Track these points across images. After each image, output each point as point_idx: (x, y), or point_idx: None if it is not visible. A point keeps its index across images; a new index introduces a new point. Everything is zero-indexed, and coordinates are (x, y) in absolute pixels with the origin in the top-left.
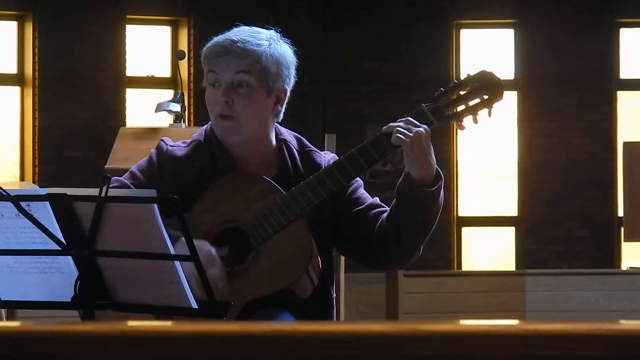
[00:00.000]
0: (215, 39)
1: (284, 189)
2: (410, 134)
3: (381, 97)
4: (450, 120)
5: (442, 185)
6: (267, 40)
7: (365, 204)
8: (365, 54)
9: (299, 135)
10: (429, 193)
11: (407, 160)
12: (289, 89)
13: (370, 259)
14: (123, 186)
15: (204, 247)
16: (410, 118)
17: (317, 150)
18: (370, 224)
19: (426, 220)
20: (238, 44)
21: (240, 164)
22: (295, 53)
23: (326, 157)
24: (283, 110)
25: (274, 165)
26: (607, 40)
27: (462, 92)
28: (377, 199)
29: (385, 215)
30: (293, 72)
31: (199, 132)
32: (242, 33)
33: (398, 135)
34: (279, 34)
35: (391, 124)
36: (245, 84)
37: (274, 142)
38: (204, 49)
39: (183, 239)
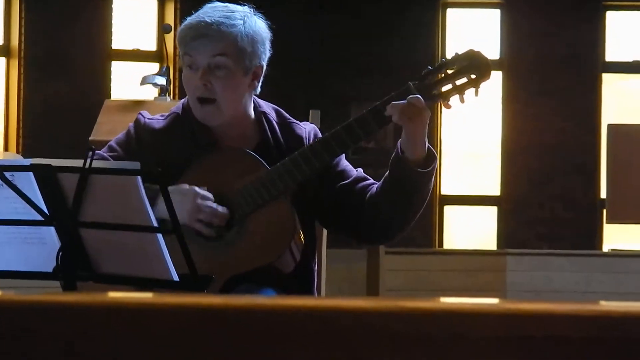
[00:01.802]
0: (189, 21)
1: (265, 161)
2: (419, 114)
3: (365, 77)
4: (437, 99)
5: (435, 168)
6: (241, 19)
7: (351, 178)
8: (351, 34)
9: (278, 108)
10: (424, 174)
11: (406, 140)
12: (265, 63)
13: (357, 233)
14: (102, 159)
15: (186, 186)
16: (418, 96)
17: (297, 121)
18: (358, 198)
19: (420, 199)
20: (212, 27)
21: (219, 137)
22: (269, 27)
23: (306, 128)
24: (260, 84)
25: (253, 138)
26: (593, 22)
27: (449, 71)
28: (361, 171)
29: (374, 189)
30: (268, 46)
31: (176, 105)
32: (215, 14)
33: (408, 111)
34: (252, 9)
35: (395, 102)
36: (223, 66)
37: (252, 115)
38: (178, 30)
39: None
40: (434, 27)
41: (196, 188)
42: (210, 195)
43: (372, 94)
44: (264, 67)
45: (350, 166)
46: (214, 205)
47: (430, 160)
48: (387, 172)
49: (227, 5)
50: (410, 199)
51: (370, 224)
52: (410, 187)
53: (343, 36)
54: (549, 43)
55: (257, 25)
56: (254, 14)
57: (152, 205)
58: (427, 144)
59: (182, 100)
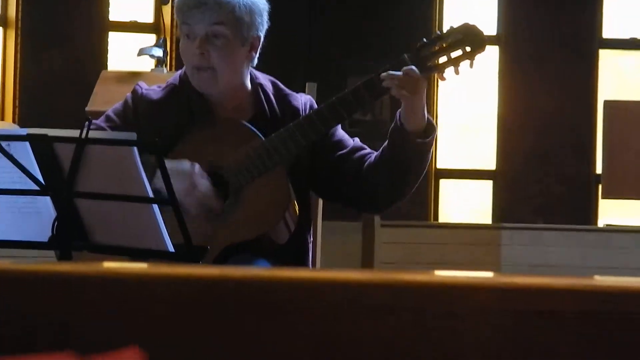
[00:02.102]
0: None
1: (260, 132)
2: (415, 85)
3: (363, 49)
4: (432, 71)
5: (434, 137)
6: None
7: (348, 148)
8: (348, 6)
9: (274, 80)
10: (423, 145)
11: (405, 111)
12: (262, 35)
13: (357, 202)
14: (99, 129)
15: (186, 165)
16: (413, 67)
17: (293, 93)
18: (356, 167)
19: (419, 169)
20: None
21: (216, 108)
22: (269, 1)
23: (302, 100)
24: (257, 56)
25: (249, 109)
26: None
27: (444, 44)
28: (357, 140)
29: (372, 158)
30: (266, 18)
31: (173, 76)
32: None
33: (404, 83)
34: None
35: (392, 72)
36: (220, 36)
37: (249, 87)
38: (177, 0)
39: (157, 181)
40: (433, 4)
41: (196, 167)
42: (206, 178)
43: (368, 66)
44: (262, 39)
45: (347, 136)
46: (210, 188)
47: (429, 131)
48: (386, 142)
49: None
50: (409, 169)
51: (369, 193)
52: (409, 157)
53: (340, 9)
54: (547, 19)
55: None
56: None
57: (151, 177)
58: (426, 114)
59: (179, 71)
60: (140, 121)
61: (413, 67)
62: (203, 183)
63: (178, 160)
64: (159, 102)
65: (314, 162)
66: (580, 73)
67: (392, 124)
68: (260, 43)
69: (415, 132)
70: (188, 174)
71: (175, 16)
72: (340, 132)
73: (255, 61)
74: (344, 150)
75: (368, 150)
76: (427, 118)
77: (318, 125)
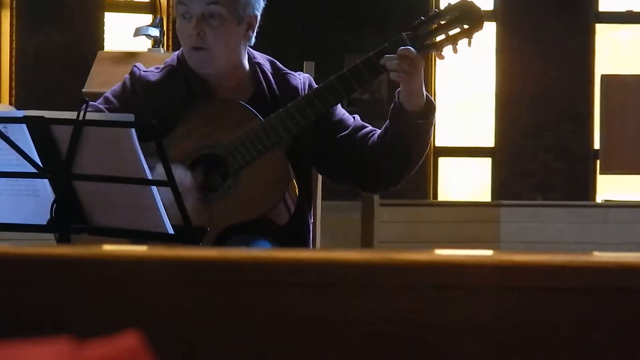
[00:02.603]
0: None
1: (259, 112)
2: (412, 66)
3: (360, 27)
4: (430, 50)
5: (434, 117)
6: None
7: (350, 128)
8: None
9: (273, 59)
10: (423, 124)
11: (404, 92)
12: (259, 14)
13: (362, 181)
14: (97, 111)
15: (178, 172)
16: (410, 48)
17: (291, 72)
18: (359, 147)
19: (421, 148)
20: None
21: (214, 89)
22: None
23: (301, 79)
24: (254, 35)
25: (248, 89)
26: None
27: (442, 22)
28: (358, 119)
29: (375, 137)
30: None
31: (171, 57)
32: None
33: (401, 65)
34: None
35: (389, 55)
36: (216, 15)
37: (247, 66)
38: None
39: (158, 168)
40: None
41: (188, 178)
42: (195, 190)
43: (366, 44)
44: (258, 17)
45: (347, 115)
46: (196, 200)
47: (429, 109)
48: (387, 121)
49: None
50: (410, 149)
51: (373, 172)
52: (410, 138)
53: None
54: None
55: None
56: None
57: (153, 163)
58: (425, 93)
59: (177, 52)
60: (138, 103)
61: (409, 47)
62: (191, 195)
63: (174, 165)
64: (157, 83)
65: (315, 144)
66: (576, 48)
67: (392, 104)
68: (257, 21)
69: (415, 111)
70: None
71: None
72: (340, 112)
73: (253, 40)
74: (346, 131)
75: (369, 128)
76: (427, 97)
77: (317, 105)
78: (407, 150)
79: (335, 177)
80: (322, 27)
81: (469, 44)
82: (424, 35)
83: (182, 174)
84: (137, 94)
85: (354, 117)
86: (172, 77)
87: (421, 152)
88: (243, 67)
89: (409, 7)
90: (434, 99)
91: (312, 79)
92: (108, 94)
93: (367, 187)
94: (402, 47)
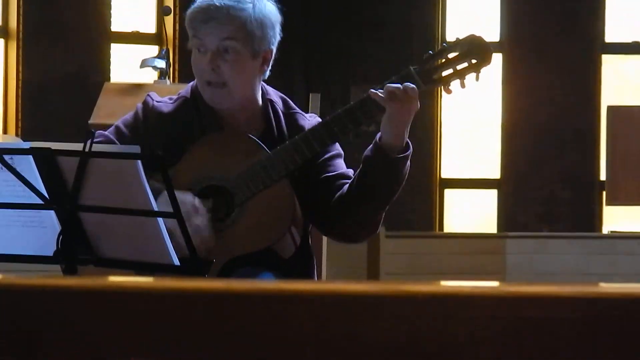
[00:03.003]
0: (198, 3)
1: (267, 148)
2: (405, 100)
3: (366, 57)
4: (437, 84)
5: (409, 157)
6: (250, 3)
7: (335, 172)
8: (350, 13)
9: (285, 97)
10: (395, 160)
11: (385, 123)
12: (274, 48)
13: (323, 226)
14: (108, 141)
15: (188, 197)
16: (409, 84)
17: (302, 112)
18: (332, 192)
19: (387, 189)
20: (222, 10)
21: (226, 122)
22: (280, 10)
23: (310, 121)
24: (269, 69)
25: (259, 125)
26: (593, 3)
27: (450, 56)
28: (350, 172)
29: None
30: (278, 30)
31: (185, 88)
32: None
33: (391, 96)
34: None
35: (389, 83)
36: (231, 50)
37: (260, 102)
38: (188, 12)
39: (165, 193)
40: (435, 8)
41: (196, 201)
42: (205, 215)
43: (372, 75)
44: (274, 52)
45: (343, 165)
46: (204, 224)
47: (406, 149)
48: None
49: None
50: (375, 186)
51: (337, 217)
52: (379, 172)
53: (343, 15)
54: (549, 25)
55: (267, 8)
56: None
57: (157, 196)
58: (406, 138)
59: (191, 83)
60: (150, 133)
61: (414, 87)
62: (200, 218)
63: (183, 192)
64: (170, 115)
65: (302, 179)
66: (583, 78)
67: (371, 145)
68: (273, 56)
69: (392, 146)
70: (186, 205)
71: (186, 28)
72: (337, 160)
73: (267, 74)
74: (330, 174)
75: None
76: (407, 142)
77: (323, 136)
78: (373, 188)
79: (306, 215)
80: (329, 58)
81: (477, 78)
82: (432, 69)
83: (190, 198)
84: (148, 124)
85: (348, 169)
86: (184, 108)
87: (387, 194)
88: (256, 101)
89: (413, 36)
90: (440, 130)
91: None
92: (119, 123)
93: (325, 232)
94: (408, 84)
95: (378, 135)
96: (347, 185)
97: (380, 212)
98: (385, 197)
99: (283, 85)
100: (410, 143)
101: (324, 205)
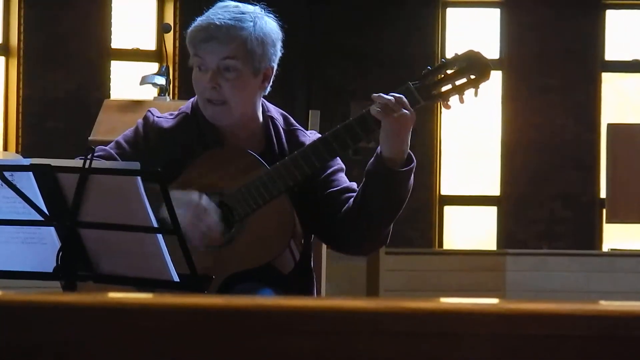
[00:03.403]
0: (199, 21)
1: (268, 164)
2: (397, 112)
3: (366, 74)
4: (436, 100)
5: (413, 169)
6: (251, 21)
7: (340, 187)
8: (350, 30)
9: (286, 113)
10: (398, 173)
11: (383, 136)
12: (275, 65)
13: (333, 241)
14: (108, 156)
15: (194, 197)
16: (402, 97)
17: (302, 129)
18: (338, 207)
19: (391, 203)
20: (222, 29)
21: (227, 138)
22: (281, 27)
23: (311, 137)
24: (270, 85)
25: (260, 142)
26: (593, 21)
27: (449, 72)
28: (354, 185)
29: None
30: (279, 47)
31: (186, 104)
32: (225, 15)
33: (384, 108)
34: (263, 10)
35: (383, 95)
36: (232, 69)
37: (261, 118)
38: (188, 31)
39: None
40: (434, 26)
41: (204, 199)
42: (214, 211)
43: (373, 91)
44: (274, 68)
45: (345, 179)
46: (216, 222)
47: (409, 163)
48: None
49: (238, 5)
50: (382, 200)
51: (342, 232)
52: (383, 186)
53: (343, 31)
54: (549, 42)
55: (268, 26)
56: (265, 14)
57: (158, 205)
58: (406, 152)
59: (192, 99)
60: (150, 148)
61: (408, 111)
62: (210, 217)
63: (186, 191)
64: (170, 131)
65: (305, 196)
66: (583, 96)
67: (372, 158)
68: (274, 72)
69: (393, 160)
70: (194, 205)
71: (187, 46)
72: (339, 174)
73: (268, 90)
74: (334, 189)
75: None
76: (409, 154)
77: (322, 152)
78: (379, 203)
79: (314, 232)
80: (328, 74)
81: (476, 94)
82: (430, 84)
83: (196, 196)
84: (149, 140)
85: (351, 183)
86: (185, 124)
87: (393, 209)
88: (257, 118)
89: (414, 55)
90: (440, 147)
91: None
92: (120, 138)
93: (334, 246)
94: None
95: (378, 148)
96: (352, 199)
97: (388, 225)
98: (390, 210)
99: (283, 101)
100: (413, 156)
101: (331, 221)
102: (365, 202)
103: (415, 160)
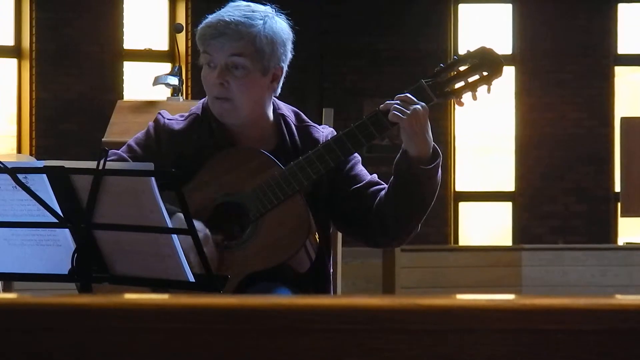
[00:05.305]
0: (209, 19)
1: (281, 163)
2: (408, 111)
3: (379, 72)
4: (449, 97)
5: (440, 163)
6: (261, 20)
7: (364, 182)
8: (363, 28)
9: (297, 110)
10: (426, 170)
11: (404, 138)
12: (285, 65)
13: (368, 237)
14: (120, 159)
15: (198, 226)
16: (409, 94)
17: (315, 125)
18: (368, 202)
19: (423, 198)
20: (231, 26)
21: (238, 138)
22: (292, 27)
23: (324, 132)
24: (280, 86)
25: (271, 140)
26: (605, 15)
27: (461, 69)
28: (375, 177)
29: (383, 192)
30: (290, 48)
31: (197, 105)
32: (235, 12)
33: (395, 112)
34: (274, 10)
35: (389, 101)
36: (240, 66)
37: (271, 117)
38: (198, 28)
39: (179, 214)
40: (446, 23)
41: (205, 232)
42: (211, 244)
43: (385, 88)
44: (285, 69)
45: (365, 171)
46: (213, 251)
47: (434, 158)
48: (392, 177)
49: (250, 4)
50: (413, 197)
51: (379, 227)
52: (413, 184)
53: (355, 30)
54: (561, 37)
55: (278, 26)
56: (276, 15)
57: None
58: (432, 143)
59: (202, 100)
60: (162, 150)
61: (419, 106)
62: (209, 245)
63: (194, 220)
64: (181, 132)
65: (331, 194)
66: (596, 90)
67: (398, 156)
68: (284, 73)
69: (419, 157)
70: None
71: (197, 44)
72: (358, 167)
73: (279, 91)
74: (359, 184)
75: (383, 185)
76: (434, 146)
77: (337, 152)
78: (409, 199)
79: (344, 230)
80: (341, 72)
81: (489, 90)
82: (443, 82)
83: (200, 227)
84: (160, 142)
85: (371, 175)
86: (196, 125)
87: (423, 202)
88: (267, 117)
89: (426, 52)
90: (454, 144)
91: (335, 132)
92: (131, 141)
93: (372, 242)
94: (405, 94)
95: (404, 145)
96: (383, 194)
97: (423, 215)
98: (422, 204)
99: (296, 101)
100: (438, 149)
101: (361, 217)
102: (397, 199)
103: (440, 155)
